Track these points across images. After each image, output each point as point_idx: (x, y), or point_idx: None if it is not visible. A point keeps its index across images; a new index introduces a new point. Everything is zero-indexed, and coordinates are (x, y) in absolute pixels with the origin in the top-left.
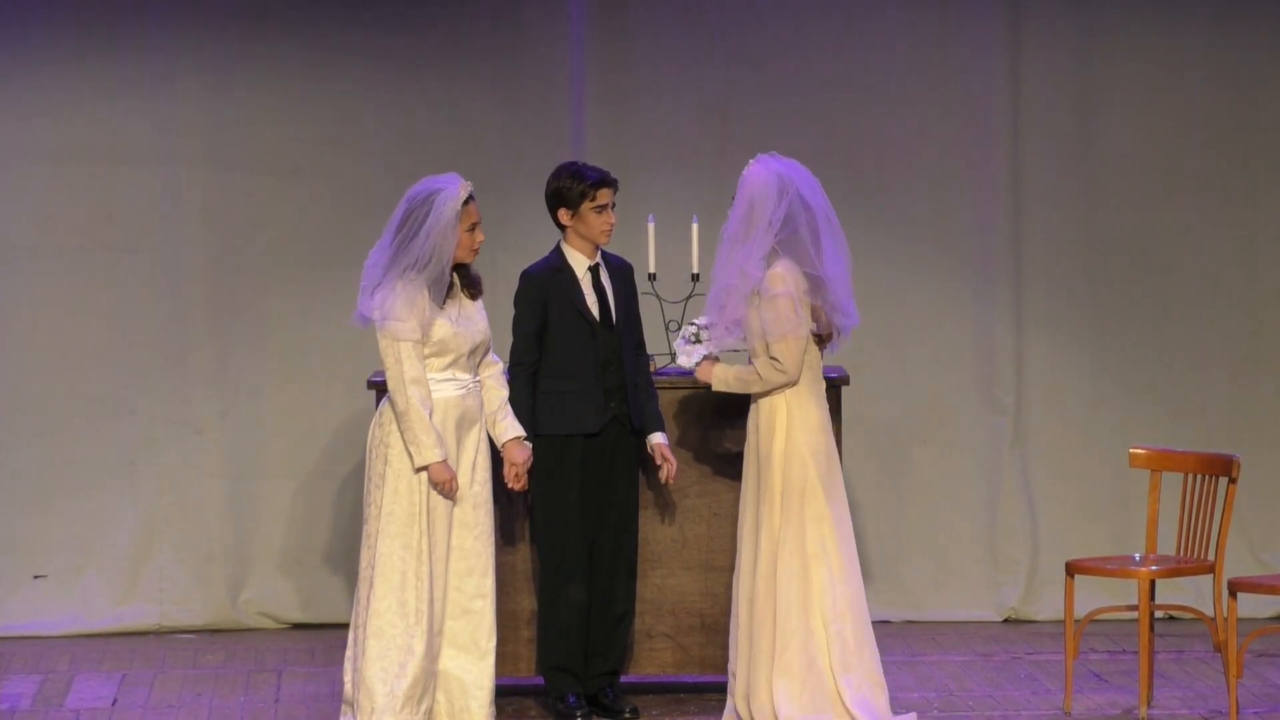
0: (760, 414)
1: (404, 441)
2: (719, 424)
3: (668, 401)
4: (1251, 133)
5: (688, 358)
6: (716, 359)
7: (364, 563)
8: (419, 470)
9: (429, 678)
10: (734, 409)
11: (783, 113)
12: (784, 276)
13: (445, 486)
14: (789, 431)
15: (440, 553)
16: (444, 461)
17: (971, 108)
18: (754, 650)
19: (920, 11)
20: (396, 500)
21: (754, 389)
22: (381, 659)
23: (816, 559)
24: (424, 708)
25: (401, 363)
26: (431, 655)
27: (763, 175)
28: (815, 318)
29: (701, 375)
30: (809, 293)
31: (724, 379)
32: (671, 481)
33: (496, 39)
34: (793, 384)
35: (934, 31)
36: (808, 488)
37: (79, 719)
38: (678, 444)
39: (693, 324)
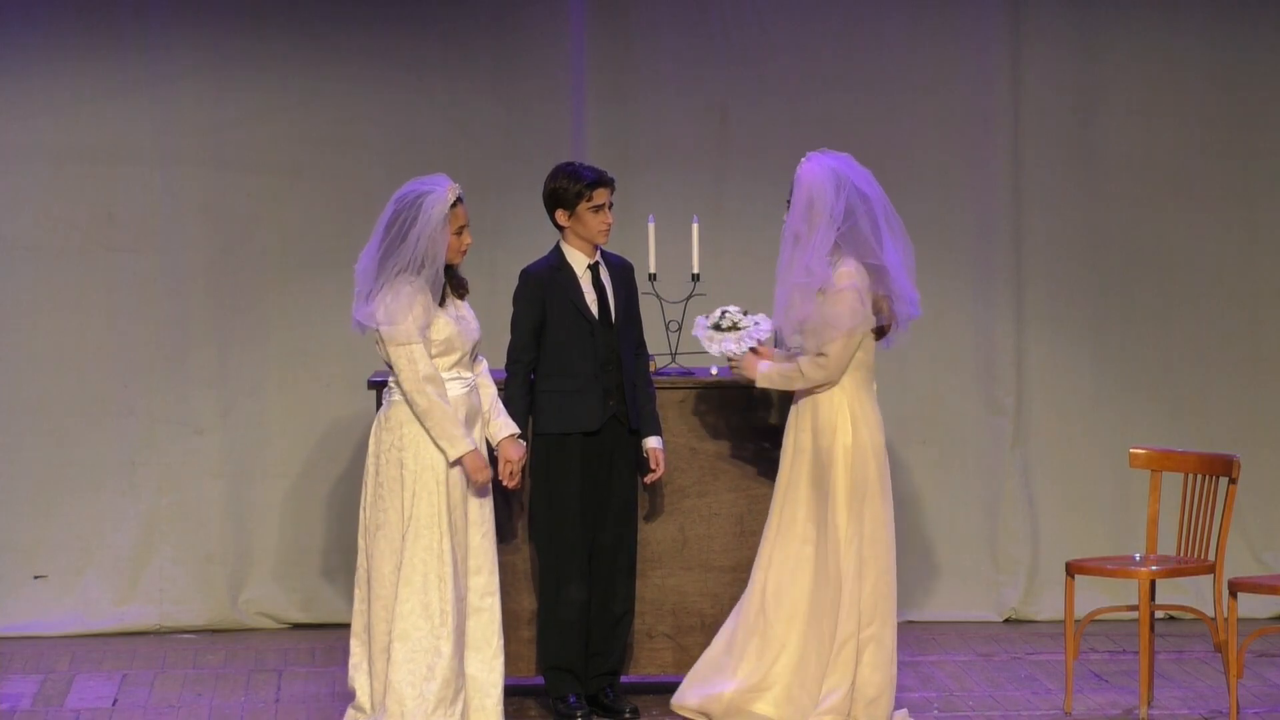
0: (818, 411)
1: (433, 439)
2: (720, 424)
3: (668, 402)
4: (1251, 133)
5: (718, 345)
6: (755, 350)
7: (390, 568)
8: (454, 464)
9: (459, 678)
10: (735, 409)
11: (783, 112)
12: (851, 273)
13: (480, 475)
14: (854, 428)
15: (462, 553)
16: (476, 450)
17: (971, 108)
18: (805, 652)
19: (920, 11)
20: (416, 503)
21: (795, 385)
22: (408, 662)
23: (869, 562)
24: (457, 709)
25: (415, 363)
26: (459, 656)
27: (817, 171)
28: (877, 309)
29: (747, 370)
30: (872, 285)
31: (768, 376)
32: (647, 483)
33: (496, 39)
34: (831, 384)
35: (934, 31)
36: (869, 487)
37: (79, 719)
38: (679, 444)
39: (725, 311)
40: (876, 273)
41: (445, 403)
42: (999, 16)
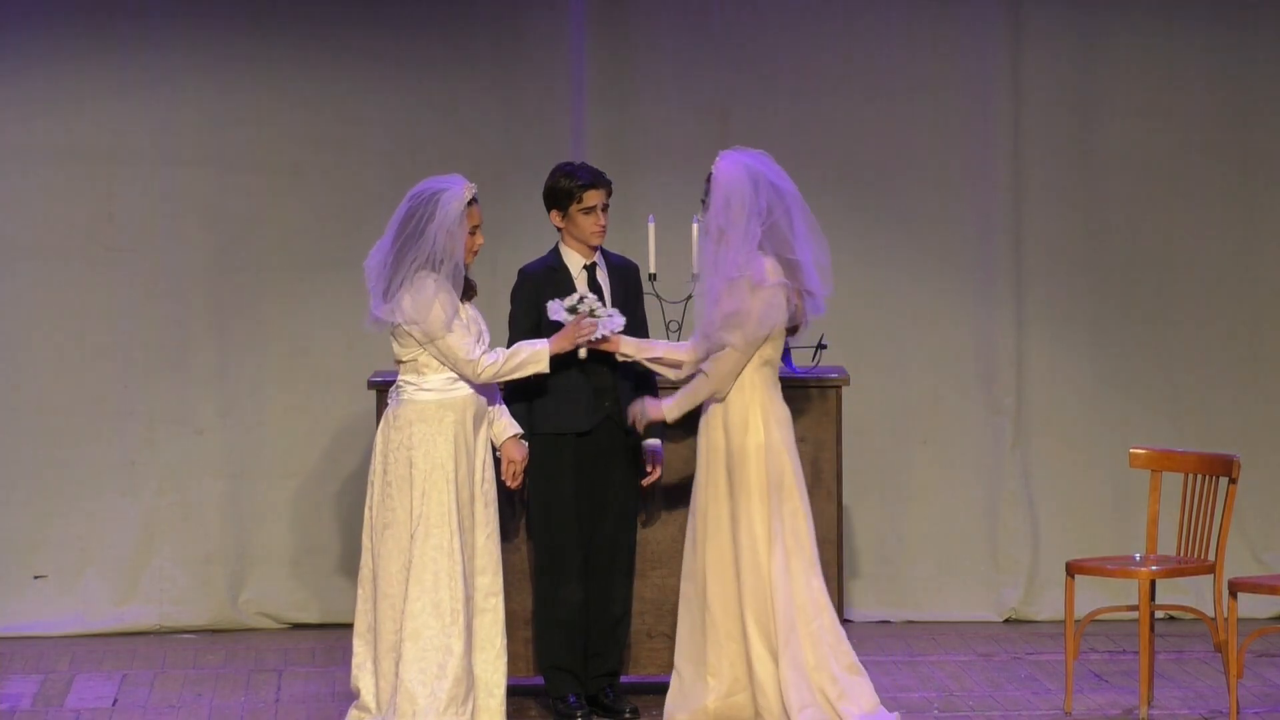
0: (729, 409)
1: (525, 378)
2: None
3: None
4: (1251, 133)
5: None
6: (605, 339)
7: (397, 567)
8: (553, 356)
9: (469, 677)
10: None
11: (783, 114)
12: (775, 268)
13: (582, 332)
14: (766, 426)
15: (470, 552)
16: (547, 341)
17: (972, 108)
18: (751, 647)
19: (920, 12)
20: (427, 502)
21: (703, 393)
22: (419, 660)
23: (793, 553)
24: (469, 708)
25: (461, 347)
26: (469, 654)
27: (734, 170)
28: (791, 305)
29: (651, 415)
30: (787, 280)
31: (676, 406)
32: (646, 485)
33: (497, 39)
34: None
35: (934, 32)
36: (785, 482)
37: (79, 719)
38: (679, 445)
39: (584, 298)
40: (790, 268)
41: (501, 353)
42: (999, 17)
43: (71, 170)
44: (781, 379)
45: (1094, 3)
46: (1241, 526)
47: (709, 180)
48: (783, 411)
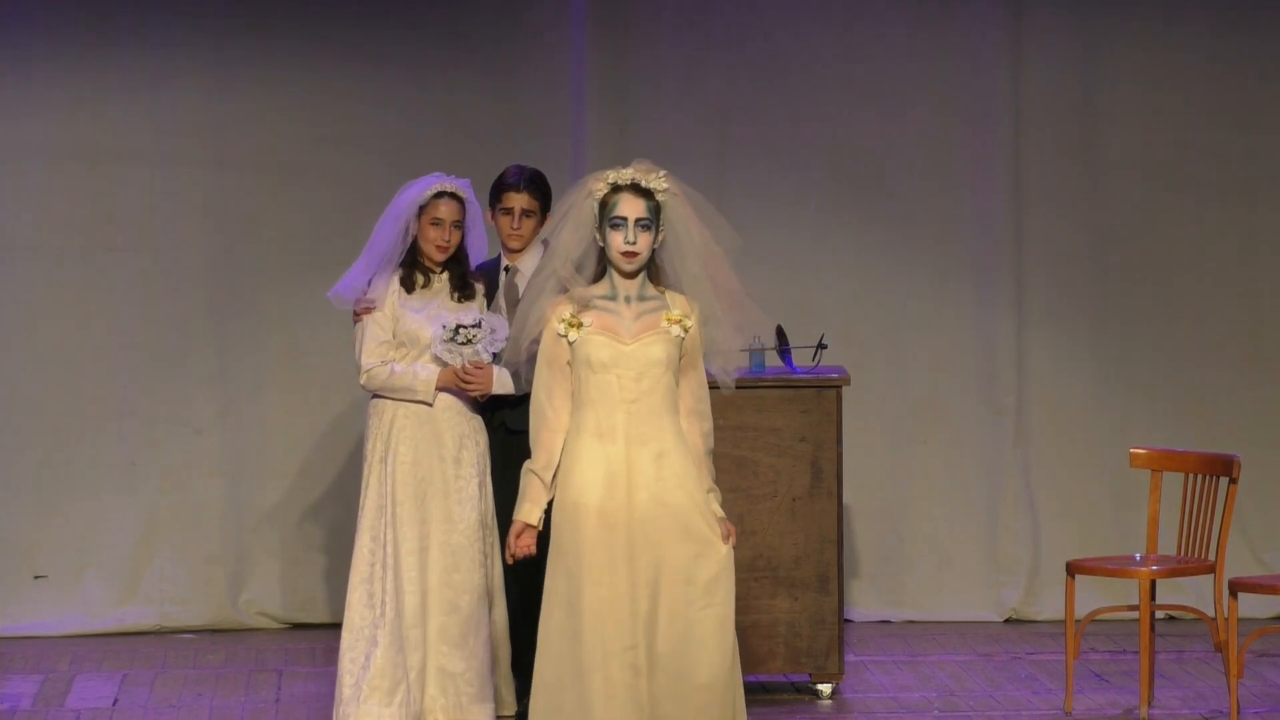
0: (685, 458)
1: (408, 401)
2: (717, 425)
3: None
4: (1252, 133)
5: (460, 357)
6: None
7: None
8: (441, 388)
9: (397, 670)
10: (731, 410)
11: (784, 115)
12: None
13: (468, 384)
14: None
15: (411, 545)
16: (442, 370)
17: (972, 108)
18: None
19: (921, 12)
20: (368, 493)
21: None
22: (350, 650)
23: None
24: (398, 699)
25: (360, 342)
26: (399, 648)
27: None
28: None
29: (730, 530)
30: None
31: (716, 488)
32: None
33: (497, 39)
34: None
35: (935, 32)
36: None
37: (79, 719)
38: None
39: (461, 326)
40: None
41: (398, 368)
42: (1000, 18)
43: (71, 170)
44: (781, 379)
45: (1095, 4)
46: (1242, 526)
47: (654, 195)
48: None
